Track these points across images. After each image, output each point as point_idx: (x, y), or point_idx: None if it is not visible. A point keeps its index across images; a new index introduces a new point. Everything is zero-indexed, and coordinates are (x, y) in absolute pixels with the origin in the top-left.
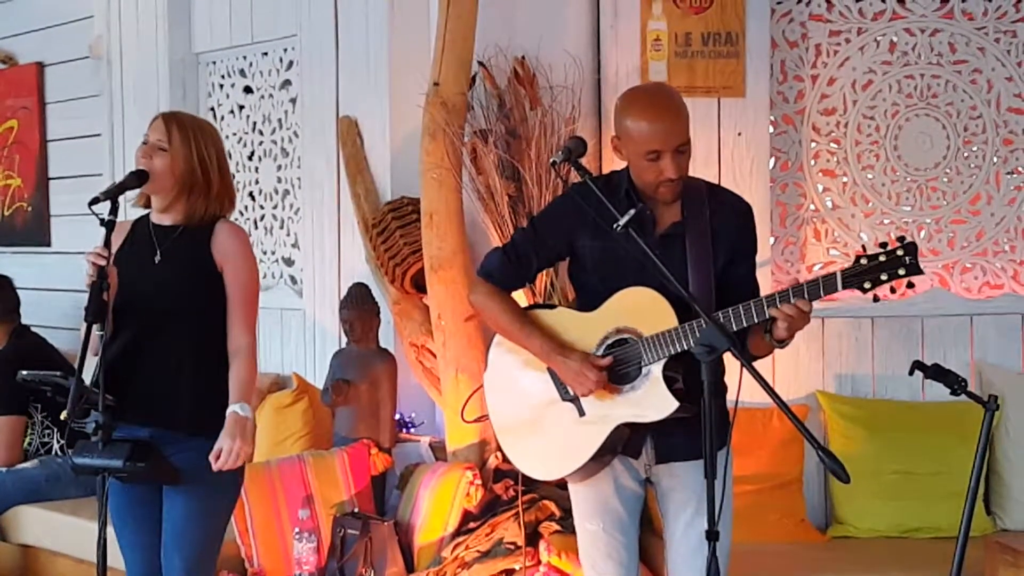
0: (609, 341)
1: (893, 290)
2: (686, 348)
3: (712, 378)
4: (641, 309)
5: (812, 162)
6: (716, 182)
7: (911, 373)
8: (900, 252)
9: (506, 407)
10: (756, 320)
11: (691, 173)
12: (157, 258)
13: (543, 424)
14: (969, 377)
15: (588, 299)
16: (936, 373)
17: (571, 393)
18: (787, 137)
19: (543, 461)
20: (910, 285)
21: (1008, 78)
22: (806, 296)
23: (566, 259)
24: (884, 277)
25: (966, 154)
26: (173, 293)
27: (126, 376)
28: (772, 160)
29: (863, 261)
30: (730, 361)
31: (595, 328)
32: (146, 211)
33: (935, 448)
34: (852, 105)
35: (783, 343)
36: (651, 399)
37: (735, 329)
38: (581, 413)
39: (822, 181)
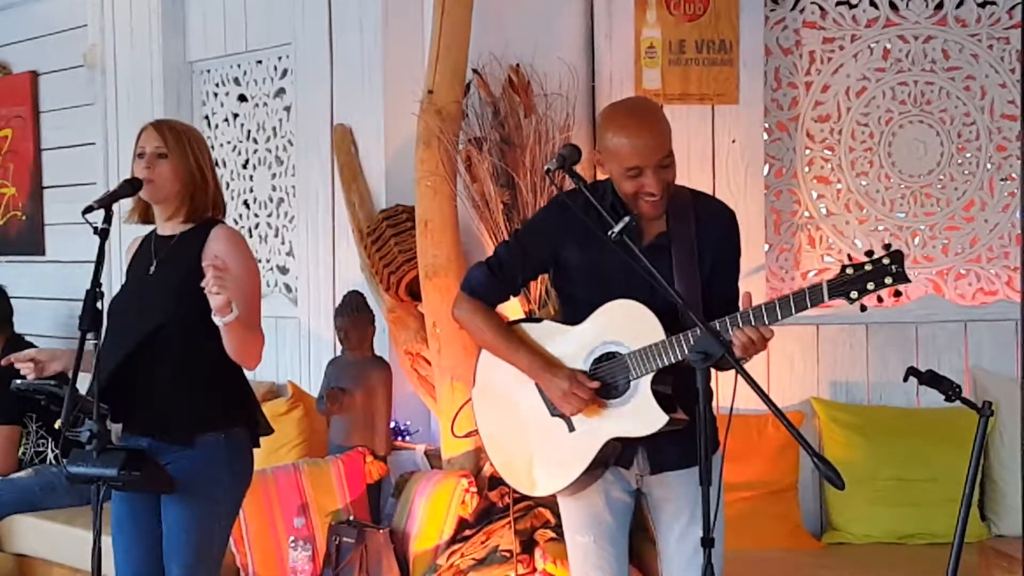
0: (596, 355)
1: (880, 299)
2: (673, 361)
3: (705, 384)
4: (627, 322)
5: (806, 169)
6: (711, 189)
7: (906, 379)
8: (886, 261)
9: (495, 423)
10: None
11: (686, 180)
12: (152, 268)
13: (533, 440)
14: (964, 383)
15: (574, 311)
16: (931, 379)
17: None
18: (781, 144)
19: (534, 477)
20: (897, 294)
21: (1002, 84)
22: (792, 308)
23: (551, 270)
24: (871, 287)
25: (960, 161)
26: (161, 303)
27: (125, 387)
28: (766, 167)
29: (849, 271)
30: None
31: (581, 342)
32: (142, 226)
33: (930, 454)
34: (846, 112)
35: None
36: (640, 414)
37: (730, 337)
38: (571, 428)
39: (816, 188)
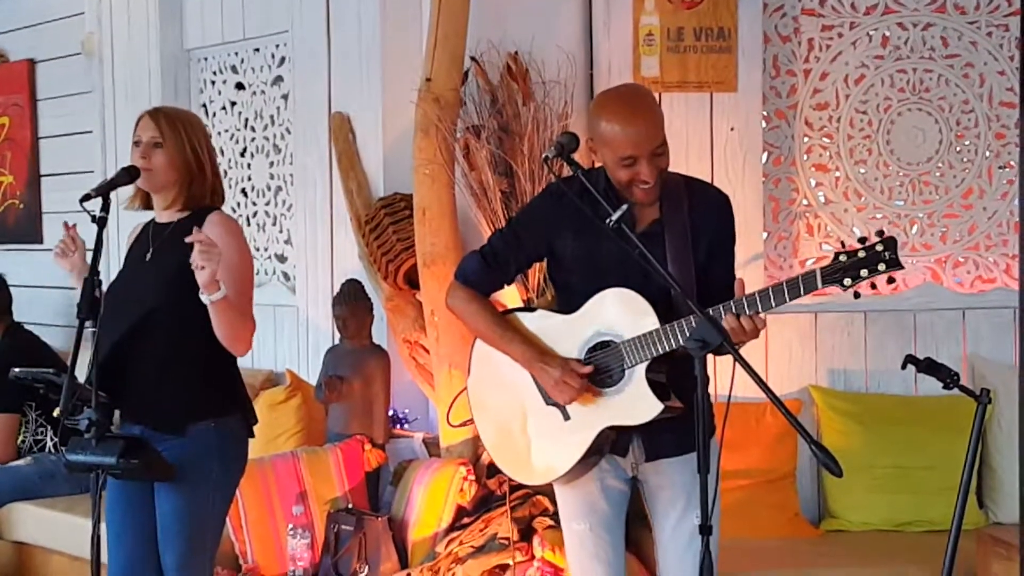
0: (590, 344)
1: (874, 285)
2: (668, 349)
3: (702, 373)
4: (622, 311)
5: (805, 157)
6: (709, 178)
7: (904, 367)
8: (880, 247)
9: (490, 413)
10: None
11: (684, 168)
12: (148, 256)
13: (528, 429)
14: (961, 371)
15: (568, 299)
16: (929, 367)
17: None
18: (779, 132)
19: (530, 466)
20: (891, 280)
21: (1000, 72)
22: (786, 296)
23: (545, 259)
24: (864, 273)
25: (958, 148)
26: (155, 291)
27: (117, 374)
28: (764, 155)
29: (842, 258)
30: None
31: (576, 331)
32: (142, 214)
33: (928, 442)
34: (844, 100)
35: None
36: (635, 402)
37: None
38: (566, 417)
39: (815, 176)
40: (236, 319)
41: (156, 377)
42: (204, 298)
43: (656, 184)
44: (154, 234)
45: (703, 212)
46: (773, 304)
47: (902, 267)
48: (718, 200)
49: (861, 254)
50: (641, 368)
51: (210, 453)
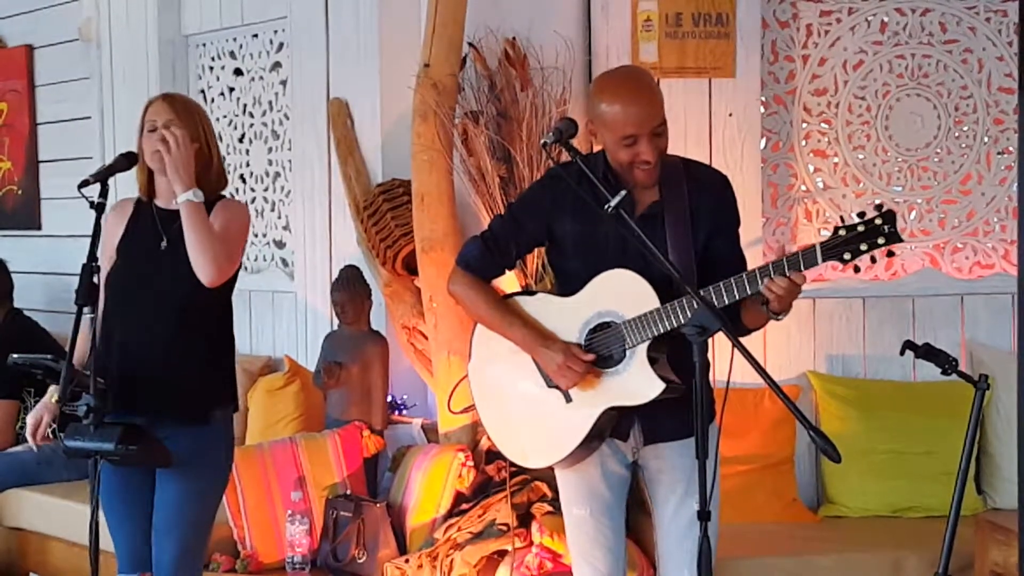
0: (591, 325)
1: (874, 259)
2: (668, 328)
3: (702, 358)
4: (622, 291)
5: (803, 142)
6: (708, 162)
7: (902, 353)
8: (879, 221)
9: (492, 397)
10: (738, 296)
11: (682, 154)
12: (163, 244)
13: (530, 412)
14: (960, 357)
15: (568, 283)
16: (927, 353)
17: None
18: (778, 118)
19: (531, 449)
20: (890, 253)
21: (999, 57)
22: (785, 271)
23: (545, 244)
24: (864, 247)
25: (957, 134)
26: (180, 284)
27: (125, 363)
28: (763, 141)
29: (842, 232)
30: (718, 338)
31: (577, 313)
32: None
33: (926, 428)
34: (843, 85)
35: (779, 315)
36: (636, 382)
37: (725, 304)
38: (568, 400)
39: (813, 161)
40: (202, 228)
41: (184, 367)
42: (177, 190)
43: (656, 164)
44: (163, 221)
45: (702, 193)
46: (774, 276)
47: (901, 239)
48: (717, 180)
49: (860, 228)
50: (642, 348)
51: (223, 439)
